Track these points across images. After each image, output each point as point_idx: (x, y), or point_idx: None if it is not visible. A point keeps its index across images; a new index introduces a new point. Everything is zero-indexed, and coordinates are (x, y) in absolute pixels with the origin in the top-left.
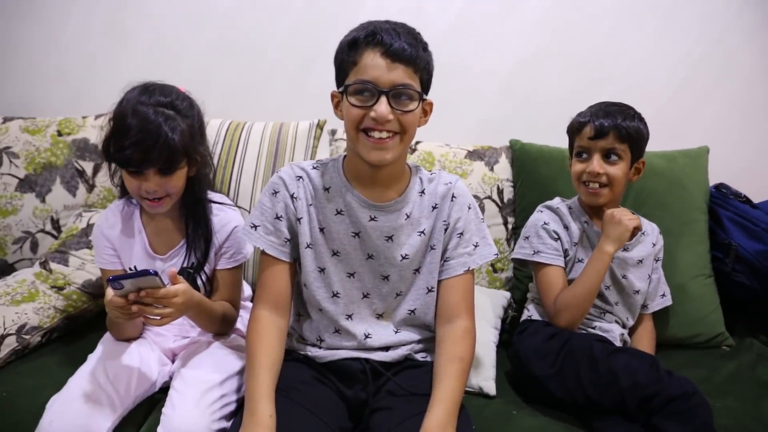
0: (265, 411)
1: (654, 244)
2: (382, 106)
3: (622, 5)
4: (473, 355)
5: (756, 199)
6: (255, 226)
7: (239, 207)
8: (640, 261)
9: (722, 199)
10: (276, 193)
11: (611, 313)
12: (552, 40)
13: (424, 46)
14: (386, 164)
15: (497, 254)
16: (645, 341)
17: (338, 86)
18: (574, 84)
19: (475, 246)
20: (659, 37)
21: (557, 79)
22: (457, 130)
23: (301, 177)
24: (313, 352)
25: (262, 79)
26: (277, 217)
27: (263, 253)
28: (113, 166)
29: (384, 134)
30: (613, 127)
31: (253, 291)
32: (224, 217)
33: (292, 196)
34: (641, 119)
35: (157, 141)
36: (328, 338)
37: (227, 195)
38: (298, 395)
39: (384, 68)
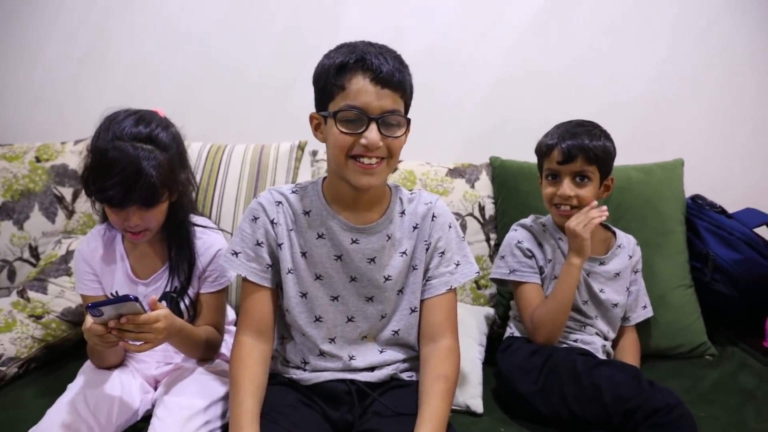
0: None
1: (630, 257)
2: (373, 133)
3: (596, 23)
4: (458, 373)
5: (731, 209)
6: (236, 253)
7: (222, 230)
8: (617, 274)
9: (698, 209)
10: (256, 219)
11: (591, 326)
12: (530, 58)
13: (408, 70)
14: (373, 188)
15: (479, 272)
16: (629, 354)
17: (319, 109)
18: (553, 101)
19: (457, 264)
20: (634, 53)
21: (536, 97)
22: (438, 149)
23: (280, 202)
24: (297, 374)
25: (243, 101)
26: (258, 244)
27: (245, 279)
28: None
29: (373, 160)
30: (581, 149)
31: (237, 315)
32: (207, 240)
33: (272, 222)
34: (607, 137)
35: (137, 180)
36: (312, 360)
37: (209, 218)
38: (283, 419)
39: (374, 94)
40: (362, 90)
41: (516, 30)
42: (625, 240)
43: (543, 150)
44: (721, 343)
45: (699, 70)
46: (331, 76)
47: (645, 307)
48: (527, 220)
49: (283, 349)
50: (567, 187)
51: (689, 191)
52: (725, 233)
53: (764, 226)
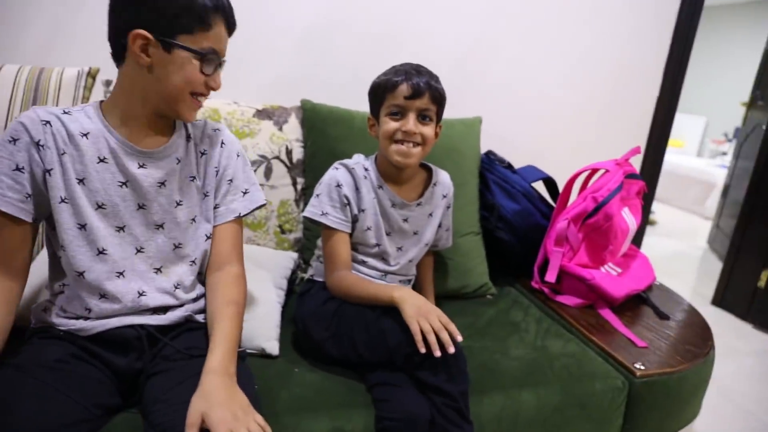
0: None
1: (444, 196)
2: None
3: None
4: (246, 299)
5: (516, 165)
6: None
7: None
8: (431, 214)
9: (490, 164)
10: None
11: (394, 273)
12: (344, 5)
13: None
14: None
15: (265, 202)
16: (429, 270)
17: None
18: (365, 50)
19: (245, 193)
20: (442, 14)
21: (349, 45)
22: (248, 89)
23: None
24: (78, 325)
25: (19, 15)
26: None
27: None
28: None
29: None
30: (428, 87)
31: None
32: None
33: (36, 143)
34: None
35: None
36: (95, 307)
37: None
38: (47, 374)
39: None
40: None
41: None
42: (441, 176)
43: (387, 86)
44: (501, 284)
45: (498, 38)
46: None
47: (448, 230)
48: (351, 161)
49: (58, 299)
50: (412, 123)
51: (486, 147)
52: (509, 186)
53: (541, 182)
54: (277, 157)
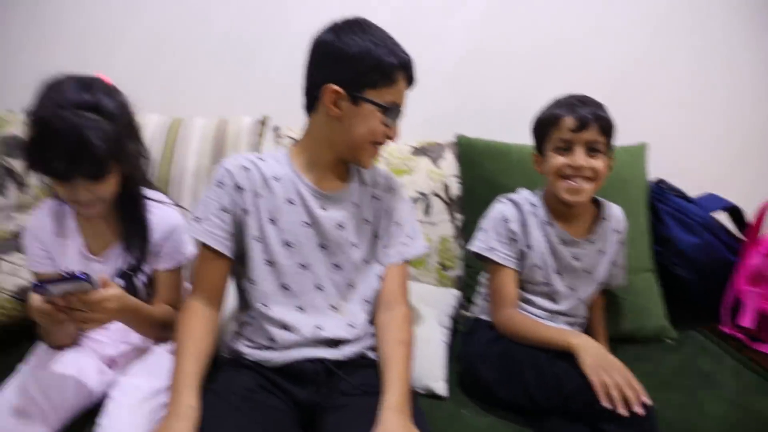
0: (186, 401)
1: (617, 231)
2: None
3: (561, 4)
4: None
5: (691, 194)
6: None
7: (179, 206)
8: (602, 251)
9: (661, 194)
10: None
11: (564, 314)
12: (496, 36)
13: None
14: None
15: (428, 247)
16: (599, 316)
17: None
18: (517, 80)
19: (411, 238)
20: (598, 36)
21: (501, 76)
22: (403, 126)
23: (247, 168)
24: (264, 355)
25: (202, 72)
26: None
27: (204, 246)
28: None
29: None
30: (595, 118)
31: None
32: (161, 214)
33: (237, 186)
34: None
35: (82, 151)
36: (278, 336)
37: (167, 194)
38: (240, 401)
39: None
40: None
41: (480, 7)
42: (613, 210)
43: (551, 120)
44: (681, 326)
45: (663, 55)
46: None
47: (621, 267)
48: (518, 197)
49: (245, 330)
50: (581, 157)
51: (654, 175)
52: (685, 217)
53: (725, 213)
54: (436, 194)
